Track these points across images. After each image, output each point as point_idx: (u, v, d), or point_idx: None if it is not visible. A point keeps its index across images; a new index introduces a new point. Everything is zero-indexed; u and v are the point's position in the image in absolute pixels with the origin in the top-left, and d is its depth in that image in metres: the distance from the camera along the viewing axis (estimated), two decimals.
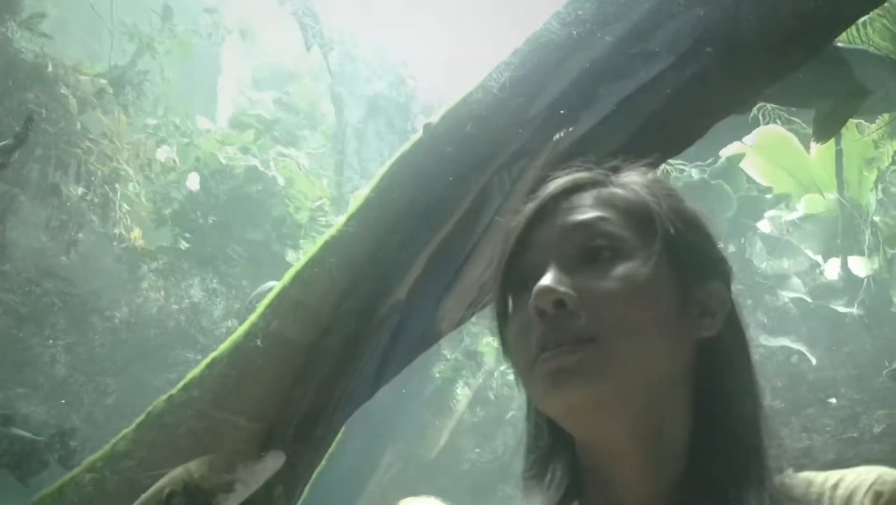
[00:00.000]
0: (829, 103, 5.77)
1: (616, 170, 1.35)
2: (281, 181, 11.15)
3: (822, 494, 1.18)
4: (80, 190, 9.57)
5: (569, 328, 1.16)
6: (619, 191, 1.29)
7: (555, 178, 1.32)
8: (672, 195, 1.30)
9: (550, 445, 1.32)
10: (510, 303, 1.30)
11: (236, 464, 4.36)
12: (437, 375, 9.60)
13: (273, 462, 4.43)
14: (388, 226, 4.64)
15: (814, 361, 9.29)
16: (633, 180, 1.31)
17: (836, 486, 1.18)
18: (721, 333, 1.24)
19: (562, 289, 1.17)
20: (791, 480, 1.23)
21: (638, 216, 1.25)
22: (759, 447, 1.21)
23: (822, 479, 1.21)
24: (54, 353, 9.62)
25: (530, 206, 1.30)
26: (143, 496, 4.30)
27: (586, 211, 1.25)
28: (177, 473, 4.39)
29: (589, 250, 1.22)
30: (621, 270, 1.20)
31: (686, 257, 1.25)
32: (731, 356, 1.26)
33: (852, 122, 8.99)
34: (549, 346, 1.17)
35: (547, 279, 1.18)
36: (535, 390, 1.21)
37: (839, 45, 5.88)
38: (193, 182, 11.03)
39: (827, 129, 5.98)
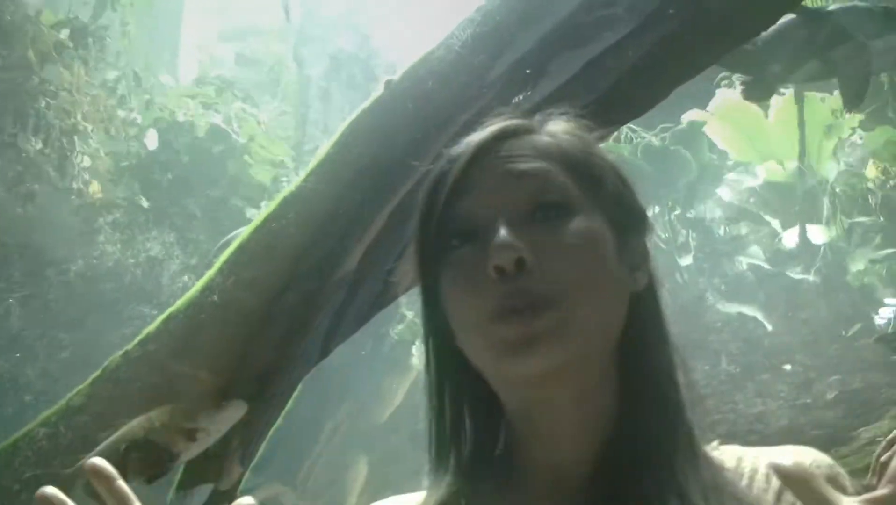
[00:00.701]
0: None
1: (544, 118, 1.30)
2: (242, 139, 11.08)
3: (756, 471, 1.18)
4: (38, 145, 9.46)
5: (529, 290, 1.12)
6: (554, 140, 1.25)
7: (484, 124, 1.27)
8: (599, 147, 1.28)
9: (469, 406, 1.28)
10: (441, 254, 1.22)
11: (198, 413, 4.35)
12: (395, 336, 9.61)
13: (235, 411, 4.42)
14: (347, 182, 4.62)
15: (769, 328, 9.38)
16: (563, 129, 1.27)
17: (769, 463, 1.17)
18: (644, 287, 1.24)
19: (523, 247, 1.13)
20: (721, 455, 1.22)
21: (577, 169, 1.22)
22: (680, 399, 1.20)
23: (752, 456, 1.22)
24: (9, 306, 9.55)
25: (462, 150, 1.24)
26: (103, 444, 4.29)
27: (529, 160, 1.21)
28: (137, 422, 4.37)
29: (539, 205, 1.18)
30: (574, 227, 1.17)
31: (620, 212, 1.23)
32: (653, 309, 1.25)
33: (813, 92, 9.10)
34: (507, 310, 1.13)
35: (505, 235, 1.14)
36: (489, 356, 1.17)
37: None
38: (153, 140, 10.95)
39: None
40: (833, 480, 1.14)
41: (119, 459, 4.27)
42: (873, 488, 2.89)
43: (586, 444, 1.18)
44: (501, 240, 1.13)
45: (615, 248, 1.19)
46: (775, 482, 1.14)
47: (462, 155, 1.22)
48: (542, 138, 1.24)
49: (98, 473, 1.08)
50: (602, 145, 1.30)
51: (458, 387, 1.27)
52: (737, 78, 8.17)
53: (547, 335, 1.11)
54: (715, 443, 1.24)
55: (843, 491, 1.09)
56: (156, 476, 4.46)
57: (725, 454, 1.22)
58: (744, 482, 1.16)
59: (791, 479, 0.95)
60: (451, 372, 1.26)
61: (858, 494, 1.10)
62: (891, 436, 3.01)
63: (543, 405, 1.19)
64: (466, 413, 1.27)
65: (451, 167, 1.23)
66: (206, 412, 4.34)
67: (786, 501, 1.13)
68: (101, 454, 4.15)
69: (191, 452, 4.40)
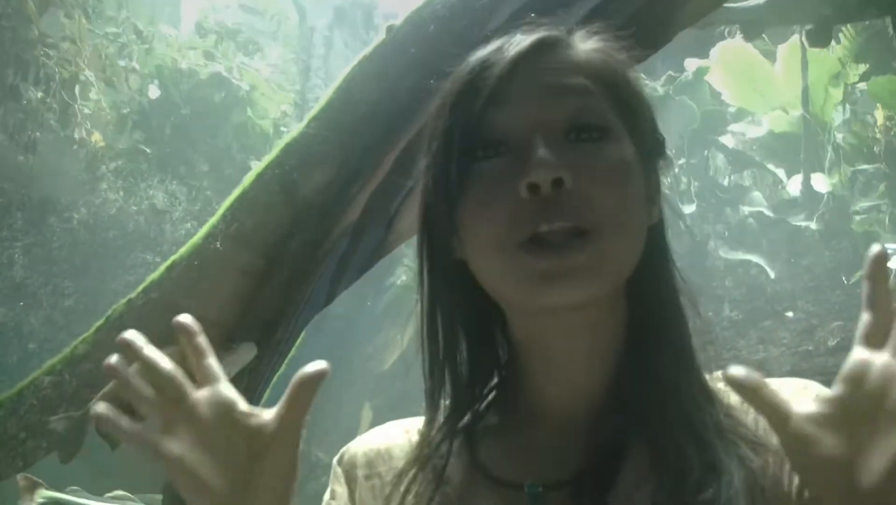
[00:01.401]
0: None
1: (582, 34, 1.22)
2: (244, 87, 11.06)
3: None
4: (40, 94, 9.44)
5: (565, 213, 1.08)
6: (592, 58, 1.18)
7: (515, 34, 1.18)
8: (635, 72, 1.22)
9: (472, 331, 1.24)
10: (468, 164, 1.14)
11: (225, 345, 4.37)
12: (399, 284, 9.64)
13: (245, 353, 4.44)
14: (350, 129, 4.60)
15: (772, 275, 9.41)
16: (601, 48, 1.20)
17: None
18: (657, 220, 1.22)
19: (562, 166, 1.08)
20: (725, 386, 1.11)
21: (615, 92, 1.16)
22: (685, 330, 1.19)
23: None
24: (12, 254, 9.57)
25: (497, 58, 1.15)
26: (109, 387, 4.32)
27: (570, 75, 1.15)
28: None
29: (577, 126, 1.12)
30: (611, 154, 1.12)
31: (646, 138, 1.19)
32: (662, 242, 1.22)
33: None
34: (543, 229, 1.08)
35: (544, 153, 1.08)
36: (517, 284, 1.12)
37: None
38: (154, 89, 10.93)
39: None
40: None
41: (124, 400, 4.31)
42: None
43: (597, 375, 1.17)
44: (541, 157, 1.08)
45: (641, 177, 1.16)
46: None
47: (498, 63, 1.14)
48: (581, 55, 1.18)
49: (183, 328, 1.12)
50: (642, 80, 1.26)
51: (455, 309, 1.23)
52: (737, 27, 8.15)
53: (585, 269, 1.08)
54: (718, 373, 1.18)
55: None
56: None
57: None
58: (750, 417, 1.15)
59: (741, 387, 0.93)
60: (449, 292, 1.22)
61: None
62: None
63: (560, 334, 1.16)
64: (462, 337, 1.23)
65: (486, 73, 1.14)
66: (217, 354, 4.37)
67: None
68: (108, 394, 4.19)
69: None
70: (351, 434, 1.37)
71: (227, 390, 1.07)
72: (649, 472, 1.08)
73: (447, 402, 1.23)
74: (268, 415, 1.06)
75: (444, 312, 1.22)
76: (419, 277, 1.23)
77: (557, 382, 1.19)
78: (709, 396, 1.15)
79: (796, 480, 1.07)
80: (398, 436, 1.28)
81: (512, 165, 1.10)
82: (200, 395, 1.07)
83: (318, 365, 1.06)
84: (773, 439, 1.07)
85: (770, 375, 1.14)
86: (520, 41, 1.15)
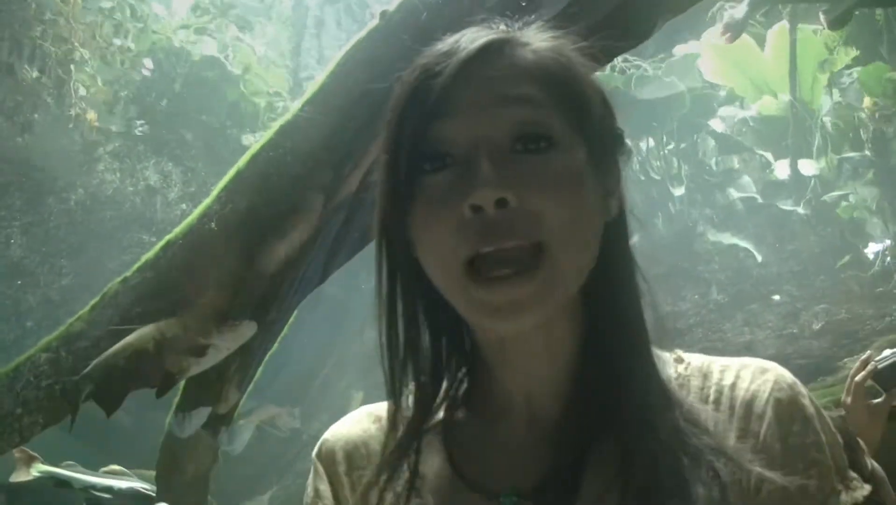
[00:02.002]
0: None
1: (527, 30, 1.19)
2: (237, 67, 11.07)
3: (721, 394, 1.17)
4: (35, 73, 9.43)
5: (511, 234, 1.06)
6: (539, 59, 1.14)
7: (464, 34, 1.15)
8: (584, 64, 1.18)
9: (433, 323, 1.22)
10: (415, 175, 1.12)
11: (211, 329, 4.44)
12: None
13: (246, 330, 4.51)
14: (342, 112, 4.66)
15: (760, 258, 9.46)
16: (550, 46, 1.17)
17: (734, 385, 1.17)
18: (616, 214, 1.19)
19: (505, 185, 1.05)
20: (686, 371, 1.21)
21: (565, 95, 1.13)
22: (642, 325, 1.18)
23: (717, 373, 1.20)
24: (10, 234, 9.58)
25: (442, 66, 1.11)
26: (111, 350, 4.38)
27: (515, 83, 1.11)
28: (147, 330, 4.45)
29: (521, 137, 1.09)
30: (558, 164, 1.09)
31: (601, 137, 1.16)
32: (622, 236, 1.20)
33: (806, 25, 9.11)
34: (488, 249, 1.06)
35: (487, 171, 1.06)
36: (467, 311, 1.12)
37: None
38: (148, 67, 10.91)
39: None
40: (793, 402, 1.15)
41: (121, 368, 4.38)
42: (846, 407, 3.00)
43: (557, 374, 1.18)
44: (483, 177, 1.05)
45: (594, 179, 1.14)
46: (740, 411, 1.14)
47: (443, 71, 1.10)
48: (527, 56, 1.14)
49: None
50: (596, 75, 1.24)
51: (416, 302, 1.21)
52: (729, 5, 8.18)
53: (532, 300, 1.07)
54: (678, 352, 1.23)
55: (803, 411, 1.14)
56: (164, 389, 4.57)
57: (690, 369, 1.21)
58: (709, 406, 1.16)
59: None
60: (408, 287, 1.20)
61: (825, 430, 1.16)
62: (864, 356, 3.09)
63: (516, 338, 1.16)
64: (424, 329, 1.22)
65: (431, 83, 1.10)
66: (219, 328, 4.42)
67: (751, 432, 1.13)
68: (106, 361, 4.28)
69: (199, 367, 4.49)
70: (342, 412, 1.39)
71: None
72: (615, 476, 1.09)
73: (409, 397, 1.23)
74: None
75: (406, 304, 1.20)
76: (377, 274, 1.21)
77: (519, 382, 1.19)
78: (667, 397, 1.15)
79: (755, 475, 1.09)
80: (372, 427, 1.29)
81: (457, 180, 1.08)
82: None
83: None
84: (730, 441, 1.12)
85: (755, 356, 1.20)
86: (466, 46, 1.12)
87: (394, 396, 1.21)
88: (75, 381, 4.50)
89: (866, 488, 1.17)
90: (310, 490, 1.28)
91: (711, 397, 1.16)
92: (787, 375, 1.18)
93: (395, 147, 1.12)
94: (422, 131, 1.10)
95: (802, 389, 1.17)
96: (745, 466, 1.09)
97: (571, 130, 1.11)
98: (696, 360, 1.22)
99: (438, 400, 1.23)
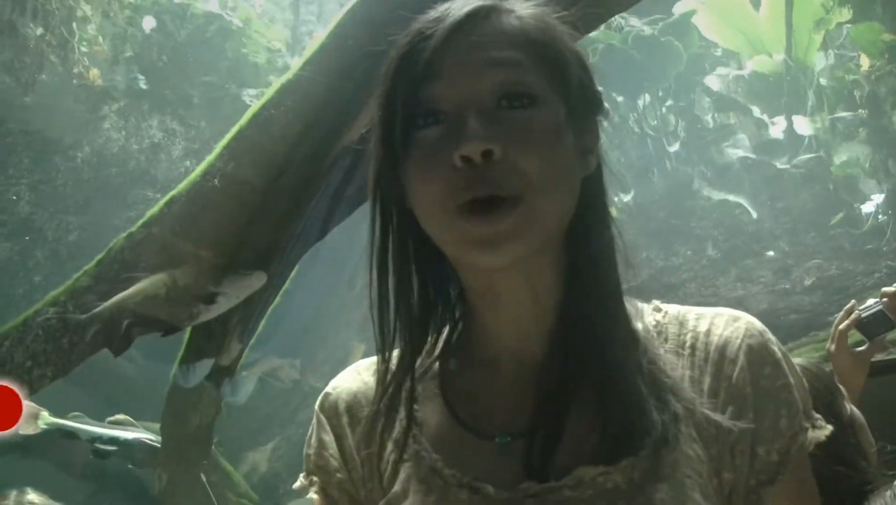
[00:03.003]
0: None
1: None
2: (237, 22, 11.05)
3: (697, 340, 1.26)
4: (39, 30, 9.42)
5: (495, 181, 1.15)
6: (523, 25, 1.24)
7: (454, 2, 1.24)
8: (564, 30, 1.28)
9: (424, 270, 1.31)
10: (408, 132, 1.22)
11: (222, 277, 4.56)
12: None
13: (256, 280, 4.63)
14: (342, 71, 4.74)
15: (754, 215, 9.50)
16: (533, 13, 1.27)
17: (708, 332, 1.27)
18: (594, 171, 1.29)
19: (491, 139, 1.15)
20: (664, 319, 1.31)
21: (545, 58, 1.23)
22: (616, 277, 1.27)
23: (693, 320, 1.29)
24: (18, 191, 9.66)
25: (433, 30, 1.22)
26: (123, 294, 4.51)
27: (501, 48, 1.20)
28: (159, 277, 4.57)
29: (505, 95, 1.19)
30: (539, 120, 1.19)
31: (579, 97, 1.25)
32: (598, 191, 1.29)
33: None
34: (472, 205, 1.16)
35: (475, 126, 1.16)
36: (454, 247, 1.22)
37: None
38: (149, 22, 10.90)
39: None
40: (763, 347, 1.25)
41: (131, 311, 4.50)
42: (830, 354, 3.12)
43: (541, 320, 1.27)
44: (471, 131, 1.15)
45: (573, 135, 1.23)
46: (714, 356, 1.25)
47: (434, 35, 1.20)
48: (512, 22, 1.23)
49: None
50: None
51: (403, 248, 1.29)
52: None
53: (509, 234, 1.15)
54: (656, 302, 1.34)
55: (773, 356, 1.25)
56: (170, 332, 4.70)
57: (668, 317, 1.31)
58: (686, 351, 1.27)
59: None
60: (398, 233, 1.29)
61: (792, 372, 1.26)
62: (848, 305, 3.22)
63: (503, 284, 1.25)
64: (414, 276, 1.30)
65: (422, 45, 1.20)
66: (230, 277, 4.54)
67: (724, 378, 1.23)
68: (117, 304, 4.41)
69: (209, 314, 4.62)
70: (343, 364, 1.46)
71: None
72: (593, 418, 1.20)
73: (401, 340, 1.31)
74: None
75: (397, 254, 1.29)
76: (370, 225, 1.30)
77: (506, 327, 1.29)
78: (634, 339, 1.26)
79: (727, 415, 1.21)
80: (371, 379, 1.35)
81: (448, 135, 1.17)
82: None
83: None
84: (705, 384, 1.23)
85: (747, 310, 1.33)
86: (454, 12, 1.21)
87: (383, 345, 1.29)
88: (84, 319, 4.62)
89: (828, 428, 1.26)
90: (313, 441, 1.35)
91: (688, 343, 1.26)
92: (757, 323, 1.28)
93: (390, 105, 1.22)
94: (414, 91, 1.19)
95: (771, 336, 1.27)
96: (697, 407, 1.20)
97: (551, 90, 1.21)
98: (672, 309, 1.32)
99: (431, 350, 1.32)
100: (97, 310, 4.60)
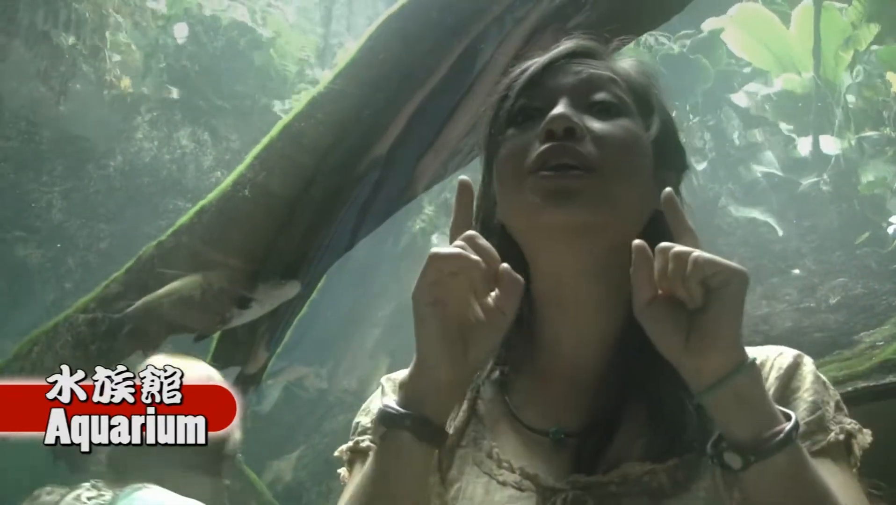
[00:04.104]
0: None
1: (617, 49, 1.45)
2: (268, 34, 11.11)
3: None
4: (71, 39, 9.51)
5: (574, 151, 1.26)
6: (622, 65, 1.39)
7: (568, 39, 1.40)
8: (662, 88, 1.43)
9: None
10: (508, 129, 1.35)
11: (257, 283, 4.60)
12: (416, 228, 9.75)
13: (290, 289, 4.67)
14: (373, 84, 4.79)
15: (780, 233, 9.48)
16: (631, 63, 1.42)
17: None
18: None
19: (574, 118, 1.27)
20: None
21: (638, 91, 1.36)
22: None
23: None
24: (51, 198, 9.75)
25: (545, 55, 1.38)
26: (157, 293, 4.55)
27: (599, 68, 1.35)
28: (195, 278, 4.62)
29: (596, 102, 1.32)
30: (623, 122, 1.31)
31: (663, 140, 1.37)
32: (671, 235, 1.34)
33: (831, 3, 9.11)
34: (552, 162, 1.26)
35: (561, 107, 1.28)
36: (524, 202, 1.29)
37: None
38: (181, 32, 10.99)
39: None
40: (793, 366, 1.32)
41: (164, 311, 4.55)
42: None
43: (603, 325, 1.35)
44: (559, 110, 1.28)
45: (652, 164, 1.35)
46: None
47: (542, 58, 1.37)
48: (616, 62, 1.39)
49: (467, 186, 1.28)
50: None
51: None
52: None
53: (581, 192, 1.25)
54: None
55: (801, 374, 1.32)
56: (203, 335, 4.74)
57: None
58: None
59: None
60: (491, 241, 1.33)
61: (818, 383, 1.32)
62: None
63: (568, 275, 1.33)
64: None
65: (530, 66, 1.37)
66: (264, 285, 4.59)
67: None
68: (150, 303, 4.46)
69: (241, 319, 4.66)
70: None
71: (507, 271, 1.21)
72: (646, 425, 1.27)
73: None
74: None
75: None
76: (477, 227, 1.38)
77: (571, 335, 1.36)
78: None
79: None
80: None
81: (537, 125, 1.32)
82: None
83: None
84: None
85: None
86: (560, 45, 1.39)
87: None
88: (118, 318, 4.67)
89: (866, 434, 1.32)
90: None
91: None
92: (795, 351, 1.36)
93: (494, 118, 1.37)
94: (518, 94, 1.35)
95: (806, 360, 1.35)
96: None
97: (639, 116, 1.35)
98: None
99: (502, 349, 1.41)
100: (130, 309, 4.65)
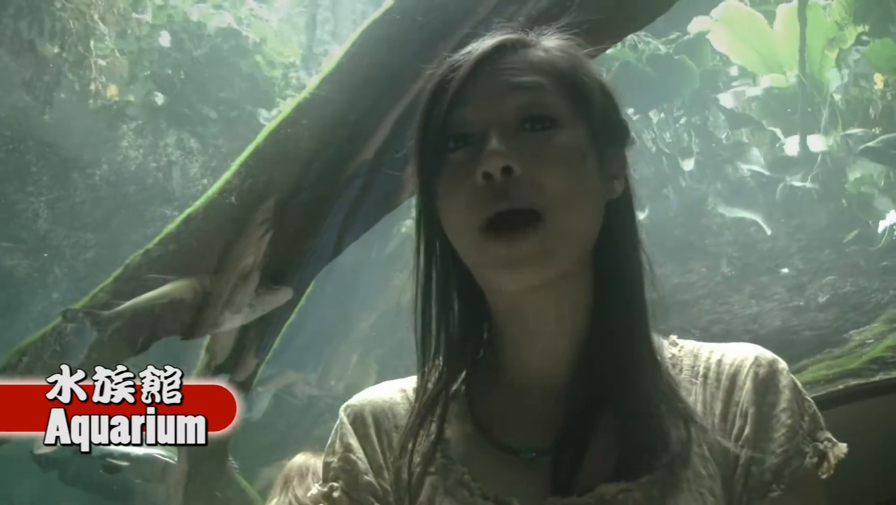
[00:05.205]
0: None
1: (539, 33, 1.37)
2: (254, 38, 11.10)
3: (709, 370, 1.32)
4: (56, 48, 9.49)
5: (514, 196, 1.21)
6: (548, 55, 1.31)
7: (484, 37, 1.34)
8: (590, 64, 1.36)
9: (459, 298, 1.37)
10: (440, 155, 1.29)
11: (250, 289, 4.59)
12: (403, 231, 9.75)
13: (282, 295, 4.66)
14: (357, 90, 4.79)
15: (769, 232, 9.49)
16: (557, 45, 1.34)
17: (720, 362, 1.33)
18: (621, 196, 1.34)
19: (510, 157, 1.21)
20: (679, 352, 1.36)
21: (568, 84, 1.29)
22: (643, 301, 1.33)
23: (706, 353, 1.35)
24: (37, 208, 9.72)
25: (463, 60, 1.31)
26: (147, 295, 4.54)
27: (523, 74, 1.28)
28: (187, 282, 4.61)
29: (528, 118, 1.25)
30: (560, 141, 1.25)
31: (603, 125, 1.31)
32: (627, 215, 1.35)
33: (816, 1, 9.14)
34: (495, 224, 1.21)
35: (495, 144, 1.21)
36: (479, 267, 1.28)
37: None
38: (166, 39, 10.97)
39: None
40: (769, 377, 1.29)
41: (155, 313, 4.52)
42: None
43: (568, 343, 1.32)
44: (491, 148, 1.21)
45: (596, 159, 1.29)
46: (725, 382, 1.30)
47: (463, 66, 1.29)
48: (537, 53, 1.31)
49: None
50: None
51: (446, 275, 1.36)
52: None
53: (531, 257, 1.21)
54: (673, 337, 1.39)
55: (777, 384, 1.29)
56: (191, 336, 4.72)
57: (683, 351, 1.37)
58: (698, 382, 1.32)
59: None
60: (441, 259, 1.35)
61: (795, 397, 1.29)
62: None
63: (530, 307, 1.30)
64: (456, 300, 1.36)
65: (452, 75, 1.29)
66: (258, 289, 4.57)
67: (733, 404, 1.28)
68: (140, 304, 4.44)
69: (232, 323, 4.65)
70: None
71: None
72: (615, 438, 1.25)
73: (438, 359, 1.37)
74: None
75: (440, 276, 1.36)
76: (416, 247, 1.37)
77: (533, 349, 1.33)
78: (656, 365, 1.31)
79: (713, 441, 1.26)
80: (397, 395, 1.41)
81: (473, 155, 1.25)
82: None
83: None
84: (717, 408, 1.29)
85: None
86: (481, 45, 1.32)
87: (423, 366, 1.37)
88: (107, 315, 4.64)
89: (840, 447, 1.29)
90: (336, 447, 1.38)
91: (701, 372, 1.32)
92: (769, 354, 1.33)
93: (423, 132, 1.31)
94: (444, 117, 1.28)
95: (782, 366, 1.32)
96: (709, 429, 1.26)
97: (574, 115, 1.28)
98: (688, 344, 1.38)
99: (462, 370, 1.38)
100: (120, 308, 4.62)
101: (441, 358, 1.36)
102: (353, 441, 1.37)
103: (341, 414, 1.41)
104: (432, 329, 1.35)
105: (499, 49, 1.31)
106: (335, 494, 1.35)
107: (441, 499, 1.28)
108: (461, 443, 1.33)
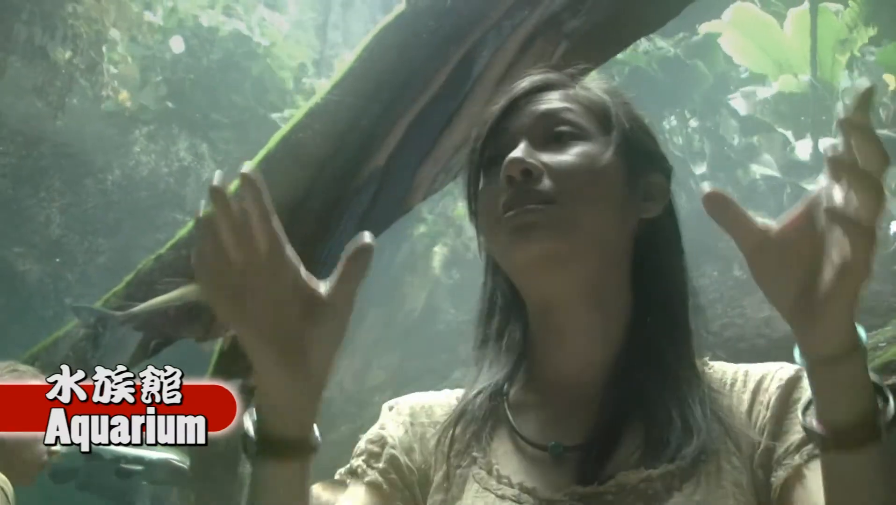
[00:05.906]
0: None
1: (581, 75, 1.44)
2: (265, 42, 11.14)
3: (736, 380, 1.34)
4: (68, 54, 9.54)
5: (533, 191, 1.27)
6: (582, 91, 1.39)
7: (527, 76, 1.42)
8: (627, 100, 1.41)
9: (505, 311, 1.43)
10: (481, 178, 1.38)
11: None
12: (415, 236, 9.78)
13: None
14: (369, 95, 4.78)
15: None
16: (595, 84, 1.42)
17: (747, 372, 1.34)
18: (660, 218, 1.35)
19: (529, 160, 1.28)
20: (710, 369, 1.37)
21: (597, 112, 1.36)
22: (687, 325, 1.35)
23: (734, 368, 1.37)
24: (49, 214, 9.77)
25: (505, 98, 1.40)
26: (162, 297, 4.53)
27: (554, 103, 1.36)
28: (195, 287, 4.62)
29: (554, 134, 1.33)
30: (580, 149, 1.31)
31: (634, 150, 1.36)
32: (667, 240, 1.37)
33: (826, 4, 9.14)
34: (514, 205, 1.27)
35: (517, 152, 1.29)
36: (500, 245, 1.33)
37: None
38: (178, 44, 11.01)
39: None
40: (794, 381, 1.28)
41: (171, 316, 4.52)
42: None
43: (600, 350, 1.34)
44: (512, 155, 1.29)
45: (623, 176, 1.33)
46: (751, 385, 1.31)
47: (503, 101, 1.39)
48: (573, 90, 1.40)
49: (250, 182, 1.02)
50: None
51: (501, 294, 1.43)
52: None
53: (540, 224, 1.26)
54: (706, 358, 1.39)
55: (803, 387, 1.25)
56: (204, 339, 4.72)
57: (714, 369, 1.38)
58: (725, 390, 1.33)
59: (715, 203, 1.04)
60: (505, 282, 1.41)
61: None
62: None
63: (555, 306, 1.34)
64: (513, 318, 1.42)
65: (494, 111, 1.39)
66: None
67: (758, 403, 1.30)
68: (156, 306, 4.43)
69: None
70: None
71: (293, 254, 1.09)
72: (643, 442, 1.27)
73: (486, 369, 1.43)
74: (324, 286, 1.08)
75: (504, 298, 1.43)
76: (484, 271, 1.46)
77: (568, 361, 1.37)
78: (699, 379, 1.32)
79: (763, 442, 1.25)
80: (442, 396, 1.47)
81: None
82: (270, 255, 1.05)
83: (364, 238, 1.10)
84: (743, 407, 1.29)
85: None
86: (521, 83, 1.40)
87: (478, 366, 1.43)
88: (120, 316, 4.65)
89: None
90: (373, 434, 1.40)
91: (729, 383, 1.33)
92: (795, 365, 1.27)
93: (470, 158, 1.40)
94: (484, 149, 1.37)
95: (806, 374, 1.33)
96: (735, 423, 1.27)
97: (600, 135, 1.33)
98: (718, 364, 1.39)
99: (503, 375, 1.41)
100: (134, 310, 4.63)
101: (487, 363, 1.42)
102: (388, 422, 1.41)
103: (383, 407, 1.46)
104: (487, 345, 1.43)
105: (537, 87, 1.39)
106: (354, 465, 1.39)
107: (470, 486, 1.34)
108: (494, 437, 1.38)
